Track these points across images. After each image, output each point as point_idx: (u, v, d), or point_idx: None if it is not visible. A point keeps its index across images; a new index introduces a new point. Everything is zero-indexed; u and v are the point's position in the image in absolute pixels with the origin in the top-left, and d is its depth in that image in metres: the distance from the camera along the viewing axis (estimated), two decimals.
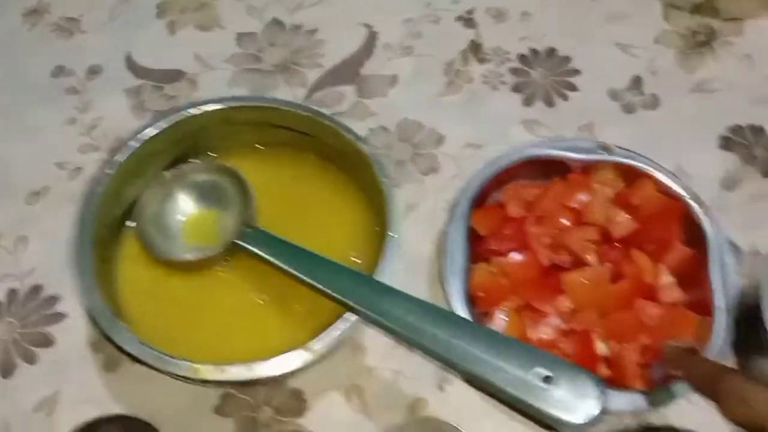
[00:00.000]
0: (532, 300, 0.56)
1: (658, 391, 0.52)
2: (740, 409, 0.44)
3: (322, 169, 0.60)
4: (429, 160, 0.67)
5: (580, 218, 0.59)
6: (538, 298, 0.56)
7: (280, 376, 0.49)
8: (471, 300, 0.57)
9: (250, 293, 0.55)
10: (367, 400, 0.57)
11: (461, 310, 0.55)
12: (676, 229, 0.59)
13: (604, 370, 0.55)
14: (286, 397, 0.57)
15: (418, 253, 0.62)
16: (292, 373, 0.50)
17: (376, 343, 0.58)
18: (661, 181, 0.61)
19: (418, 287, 0.60)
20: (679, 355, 0.50)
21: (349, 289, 0.48)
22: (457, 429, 0.52)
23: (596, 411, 0.39)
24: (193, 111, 0.58)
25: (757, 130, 0.69)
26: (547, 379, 0.41)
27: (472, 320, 0.53)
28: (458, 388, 0.57)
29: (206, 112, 0.58)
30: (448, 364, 0.44)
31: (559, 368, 0.41)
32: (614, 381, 0.54)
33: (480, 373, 0.42)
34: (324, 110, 0.60)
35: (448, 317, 0.46)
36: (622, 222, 0.58)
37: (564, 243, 0.57)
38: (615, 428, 0.53)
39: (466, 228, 0.58)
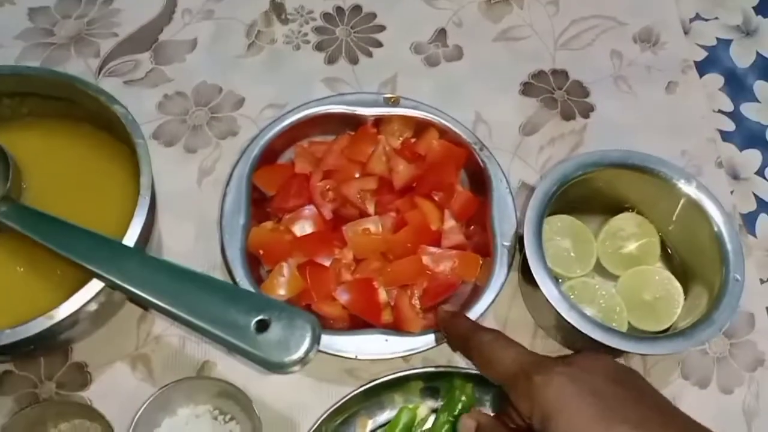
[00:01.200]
0: (313, 255, 0.55)
1: (430, 332, 0.52)
2: (486, 367, 0.46)
3: (97, 137, 0.57)
4: (227, 123, 0.65)
5: (365, 170, 0.59)
6: (320, 253, 0.55)
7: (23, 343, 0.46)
8: (255, 259, 0.56)
9: (11, 262, 0.53)
10: (153, 367, 0.55)
11: (239, 269, 0.54)
12: (457, 174, 0.59)
13: (387, 317, 0.55)
14: (69, 371, 0.55)
15: (208, 217, 0.60)
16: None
17: None
18: (446, 130, 0.60)
19: (205, 251, 0.58)
20: (444, 318, 0.51)
21: (91, 255, 0.46)
22: (239, 389, 0.50)
23: (304, 352, 0.38)
24: None
25: (560, 73, 0.70)
26: (262, 324, 0.40)
27: (194, 273, 0.49)
28: None
29: None
30: (177, 319, 0.42)
31: (276, 312, 0.40)
32: (396, 326, 0.54)
33: (201, 323, 0.41)
34: (118, 79, 0.57)
35: (173, 270, 0.44)
36: (402, 171, 0.58)
37: (343, 195, 0.56)
38: (399, 370, 0.52)
39: (248, 188, 0.57)
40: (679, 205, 0.55)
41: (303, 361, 0.38)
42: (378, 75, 0.69)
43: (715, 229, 0.53)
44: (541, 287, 0.50)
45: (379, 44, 0.70)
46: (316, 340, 0.39)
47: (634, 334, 0.53)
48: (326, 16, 0.72)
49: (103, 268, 0.45)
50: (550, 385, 0.41)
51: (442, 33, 0.71)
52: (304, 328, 0.39)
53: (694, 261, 0.56)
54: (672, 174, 0.54)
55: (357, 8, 0.72)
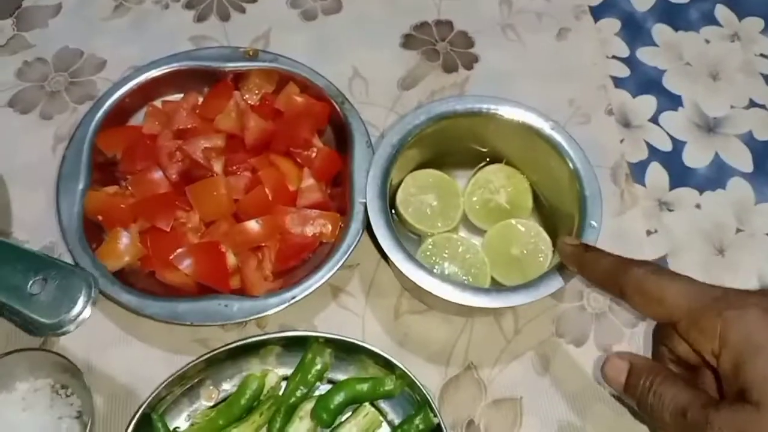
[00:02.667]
0: (153, 219, 0.52)
1: (275, 295, 0.49)
2: (649, 305, 0.39)
3: None
4: (86, 87, 0.62)
5: (214, 128, 0.55)
6: (160, 217, 0.52)
7: None
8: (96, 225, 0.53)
9: None
10: None
11: (72, 235, 0.50)
12: (314, 130, 0.55)
13: (236, 282, 0.52)
14: None
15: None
16: None
17: None
18: (307, 84, 0.57)
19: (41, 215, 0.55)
20: (574, 254, 0.45)
21: None
22: (69, 361, 0.47)
23: (76, 312, 0.36)
24: None
25: (444, 24, 0.66)
26: (39, 285, 0.37)
27: None
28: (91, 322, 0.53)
29: None
30: None
31: (53, 271, 0.37)
32: (242, 290, 0.51)
33: None
34: None
35: None
36: (253, 127, 0.54)
37: (187, 154, 0.53)
38: (248, 337, 0.49)
39: (89, 151, 0.54)
40: (541, 150, 0.51)
41: (75, 321, 0.36)
42: (251, 31, 0.65)
43: (573, 172, 0.49)
44: (384, 248, 0.47)
45: None
46: (90, 299, 0.36)
47: (481, 287, 0.49)
48: None
49: None
50: (745, 320, 0.35)
51: None
52: (78, 288, 0.36)
53: (561, 210, 0.52)
54: (528, 116, 0.51)
55: None
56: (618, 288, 0.41)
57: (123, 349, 0.52)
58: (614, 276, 0.41)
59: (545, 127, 0.50)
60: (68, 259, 0.52)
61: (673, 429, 0.38)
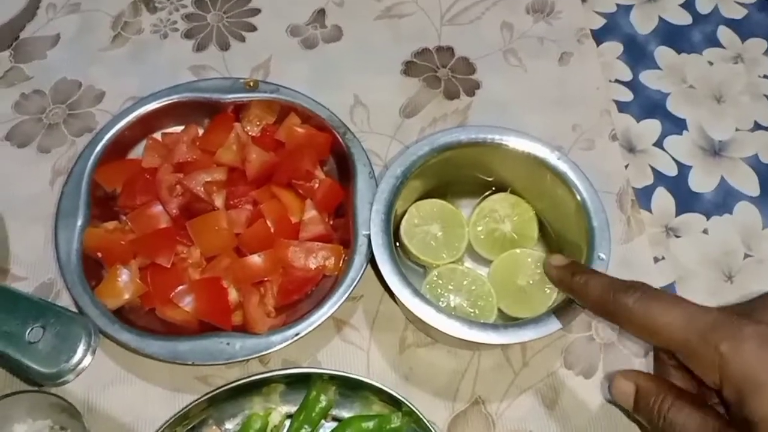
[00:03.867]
0: (153, 255, 0.51)
1: (278, 333, 0.48)
2: (642, 335, 0.39)
3: None
4: (84, 120, 0.61)
5: (215, 161, 0.55)
6: (160, 253, 0.51)
7: None
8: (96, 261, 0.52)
9: None
10: None
11: (71, 274, 0.49)
12: (316, 161, 0.55)
13: (239, 318, 0.51)
14: None
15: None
16: None
17: None
18: (309, 114, 0.57)
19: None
20: (561, 280, 0.44)
21: None
22: (68, 402, 0.46)
23: (75, 361, 0.35)
24: None
25: (445, 50, 0.66)
26: (37, 333, 0.36)
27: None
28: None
29: None
30: None
31: (52, 319, 0.36)
32: (244, 327, 0.50)
33: None
34: None
35: None
36: (255, 159, 0.53)
37: (188, 188, 0.52)
38: (251, 375, 0.48)
39: (87, 186, 0.53)
40: (546, 180, 0.50)
41: (75, 370, 0.35)
42: (250, 60, 0.65)
43: (580, 202, 0.48)
44: (389, 284, 0.46)
45: (253, 28, 0.67)
46: (90, 348, 0.35)
47: (484, 322, 0.48)
48: (197, 2, 0.68)
49: None
50: (742, 353, 0.34)
51: (321, 13, 0.67)
52: (78, 335, 0.35)
53: (567, 239, 0.51)
54: (533, 146, 0.50)
55: None
56: (609, 317, 0.41)
57: (123, 388, 0.51)
58: (603, 305, 0.41)
59: (551, 157, 0.50)
60: (67, 297, 0.51)
61: None
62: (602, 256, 0.46)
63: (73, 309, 0.48)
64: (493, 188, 0.55)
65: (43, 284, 0.53)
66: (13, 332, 0.36)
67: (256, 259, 0.51)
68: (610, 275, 0.43)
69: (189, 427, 0.48)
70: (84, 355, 0.35)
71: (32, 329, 0.36)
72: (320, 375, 0.49)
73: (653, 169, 0.61)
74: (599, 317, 0.43)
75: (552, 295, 0.50)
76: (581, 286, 0.43)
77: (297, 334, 0.48)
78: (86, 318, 0.37)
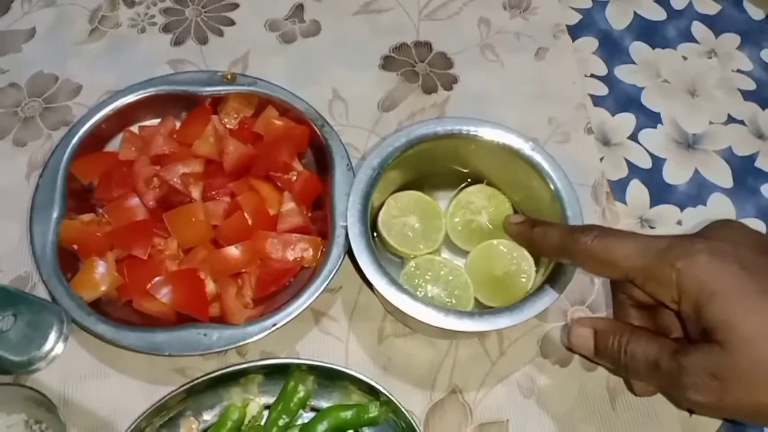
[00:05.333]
0: (131, 248, 0.51)
1: (256, 323, 0.48)
2: (602, 269, 0.42)
3: None
4: (61, 113, 0.61)
5: (192, 153, 0.55)
6: (136, 244, 0.51)
7: None
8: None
9: None
10: None
11: (46, 266, 0.49)
12: (294, 153, 0.55)
13: (216, 310, 0.51)
14: None
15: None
16: None
17: None
18: (287, 107, 0.57)
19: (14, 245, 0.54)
20: (522, 233, 0.48)
21: None
22: (43, 395, 0.46)
23: (47, 349, 0.34)
24: None
25: (423, 45, 0.66)
26: (8, 321, 0.36)
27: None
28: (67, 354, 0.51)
29: None
30: None
31: (23, 307, 0.36)
32: (221, 318, 0.50)
33: None
34: None
35: None
36: (232, 152, 0.54)
37: (165, 180, 0.52)
38: (229, 366, 0.48)
39: (63, 178, 0.53)
40: (521, 171, 0.51)
41: (46, 358, 0.34)
42: (229, 54, 0.65)
43: (554, 191, 0.49)
44: (366, 273, 0.46)
45: (231, 22, 0.67)
46: (62, 335, 0.35)
47: (460, 310, 0.48)
48: None
49: None
50: (695, 267, 0.37)
51: (299, 8, 0.68)
52: (49, 323, 0.35)
53: None
54: (508, 137, 0.51)
55: None
56: (570, 258, 0.44)
57: (99, 381, 0.50)
58: (564, 248, 0.44)
59: (525, 148, 0.50)
60: (43, 290, 0.50)
61: (652, 382, 0.41)
62: None
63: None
64: (470, 180, 0.55)
65: (18, 277, 0.53)
66: None
67: (233, 251, 0.51)
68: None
69: (166, 418, 0.48)
70: (56, 343, 0.34)
71: (3, 317, 0.36)
72: (298, 365, 0.49)
73: (628, 162, 0.61)
74: (557, 260, 0.46)
75: (527, 285, 0.51)
76: (541, 236, 0.46)
77: (275, 325, 0.48)
78: (58, 306, 0.36)
